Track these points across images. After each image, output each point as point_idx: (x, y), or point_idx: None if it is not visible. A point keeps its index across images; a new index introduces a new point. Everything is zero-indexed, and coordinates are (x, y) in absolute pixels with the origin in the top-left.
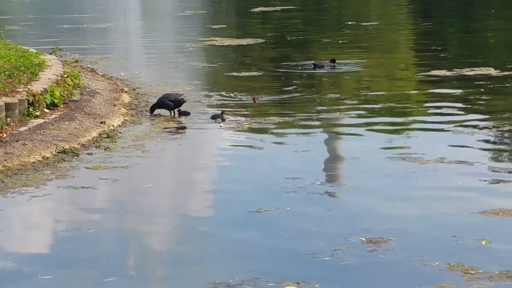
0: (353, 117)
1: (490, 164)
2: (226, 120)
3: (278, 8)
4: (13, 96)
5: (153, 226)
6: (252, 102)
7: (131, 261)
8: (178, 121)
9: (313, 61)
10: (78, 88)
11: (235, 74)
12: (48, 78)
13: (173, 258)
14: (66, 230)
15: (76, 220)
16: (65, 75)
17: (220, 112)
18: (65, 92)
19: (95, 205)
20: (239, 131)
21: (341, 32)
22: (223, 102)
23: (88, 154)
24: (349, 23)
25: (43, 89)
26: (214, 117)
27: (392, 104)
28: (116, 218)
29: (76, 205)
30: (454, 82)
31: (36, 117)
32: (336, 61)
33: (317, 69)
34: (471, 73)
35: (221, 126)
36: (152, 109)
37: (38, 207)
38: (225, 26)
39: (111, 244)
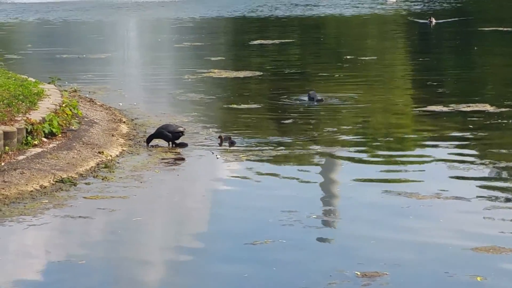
0: (350, 151)
1: (486, 201)
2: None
3: (276, 41)
4: (12, 125)
5: (149, 257)
6: (218, 143)
7: None
8: (175, 152)
9: (309, 93)
10: (76, 118)
11: (233, 106)
12: (47, 108)
13: None
14: (63, 260)
15: (73, 250)
16: (63, 105)
17: (226, 136)
18: (64, 122)
19: (92, 235)
20: (236, 162)
21: (338, 66)
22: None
23: (85, 183)
24: (348, 57)
25: (41, 118)
26: (227, 140)
27: (389, 138)
28: (112, 249)
29: (73, 234)
30: (451, 117)
31: (34, 146)
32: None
33: (315, 102)
34: (468, 109)
35: (218, 158)
36: (149, 140)
37: (35, 236)
38: (223, 58)
39: (106, 275)
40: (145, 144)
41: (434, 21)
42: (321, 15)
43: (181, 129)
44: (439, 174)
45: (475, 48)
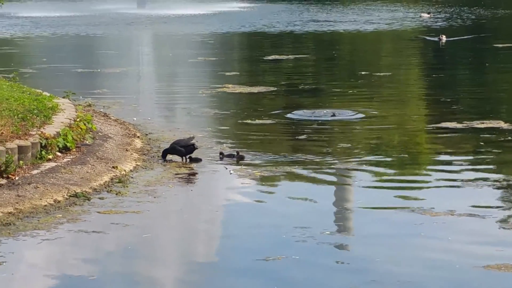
0: (363, 167)
1: (500, 218)
2: (244, 160)
3: (291, 56)
4: (26, 139)
5: (161, 273)
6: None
7: None
8: (189, 167)
9: (330, 111)
10: (90, 132)
11: (247, 121)
12: (61, 122)
13: None
14: (77, 274)
15: (87, 265)
16: (78, 119)
17: (235, 152)
18: (78, 136)
19: (106, 250)
20: (250, 178)
21: (352, 82)
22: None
23: (99, 198)
24: (362, 73)
25: (56, 133)
26: (238, 157)
27: (402, 155)
28: (125, 264)
29: (87, 249)
30: (465, 134)
31: (49, 160)
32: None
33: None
34: (482, 125)
35: (231, 173)
36: (164, 154)
37: (48, 250)
38: (237, 73)
39: None
40: (161, 158)
41: (444, 38)
42: (336, 31)
43: (192, 141)
44: (453, 191)
45: (487, 64)
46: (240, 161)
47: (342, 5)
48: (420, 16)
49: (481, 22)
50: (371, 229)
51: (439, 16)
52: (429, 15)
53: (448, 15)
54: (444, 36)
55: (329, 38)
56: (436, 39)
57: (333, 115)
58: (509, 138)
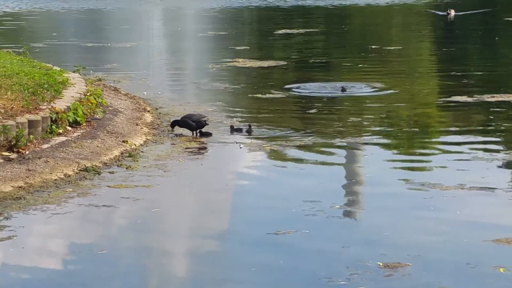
0: (373, 141)
1: (510, 192)
2: (253, 133)
3: (301, 30)
4: (37, 114)
5: (172, 246)
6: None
7: (148, 281)
8: (199, 141)
9: (341, 85)
10: (101, 107)
11: (257, 95)
12: (71, 96)
13: (190, 279)
14: (86, 248)
15: (96, 239)
16: (88, 94)
17: (248, 125)
18: (88, 111)
19: (116, 223)
20: (260, 152)
21: (363, 56)
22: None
23: (109, 172)
24: (373, 46)
25: (66, 107)
26: (247, 131)
27: (413, 129)
28: (136, 238)
29: (97, 223)
30: (475, 108)
31: (59, 134)
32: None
33: (342, 92)
34: (492, 99)
35: (241, 147)
36: (173, 124)
37: (59, 224)
38: (247, 47)
39: (130, 263)
40: (170, 128)
41: (453, 13)
42: (347, 5)
43: (204, 118)
44: (463, 165)
45: (496, 38)
46: (250, 134)
47: None
48: None
49: None
50: (380, 203)
51: None
52: None
53: None
54: (452, 11)
55: (339, 12)
56: (444, 13)
57: (343, 89)
58: None
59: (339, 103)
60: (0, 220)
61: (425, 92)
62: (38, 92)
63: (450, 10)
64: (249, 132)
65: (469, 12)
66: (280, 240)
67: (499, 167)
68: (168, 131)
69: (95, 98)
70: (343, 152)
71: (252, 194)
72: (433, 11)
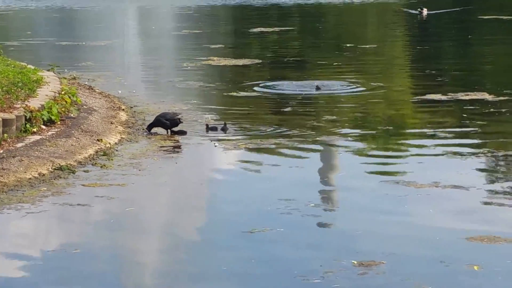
0: (348, 139)
1: (484, 189)
2: (228, 131)
3: (276, 29)
4: (11, 112)
5: (147, 245)
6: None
7: (123, 279)
8: (174, 140)
9: (315, 84)
10: (75, 105)
11: (232, 94)
12: (46, 95)
13: (165, 277)
14: (61, 247)
15: (71, 237)
16: (62, 92)
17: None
18: (63, 109)
19: (91, 222)
20: (235, 150)
21: (337, 54)
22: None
23: (84, 171)
24: (348, 45)
25: (40, 106)
26: (222, 128)
27: (387, 127)
28: (111, 236)
29: (72, 222)
30: (449, 106)
31: (33, 133)
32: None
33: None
34: (466, 97)
35: (216, 146)
36: (150, 127)
37: (33, 223)
38: (222, 46)
39: (104, 262)
40: (146, 132)
41: (426, 11)
42: (322, 3)
43: (178, 116)
44: (437, 163)
45: (469, 36)
46: (224, 133)
47: None
48: None
49: None
50: (355, 201)
51: None
52: None
53: None
54: (425, 9)
55: (314, 11)
56: (416, 12)
57: (318, 87)
58: (493, 109)
59: (314, 101)
60: None
61: (399, 90)
62: (12, 90)
63: (422, 9)
64: (224, 130)
65: (442, 10)
66: (255, 238)
67: (473, 165)
68: (143, 130)
69: (69, 97)
70: (318, 150)
71: (227, 192)
72: (405, 9)
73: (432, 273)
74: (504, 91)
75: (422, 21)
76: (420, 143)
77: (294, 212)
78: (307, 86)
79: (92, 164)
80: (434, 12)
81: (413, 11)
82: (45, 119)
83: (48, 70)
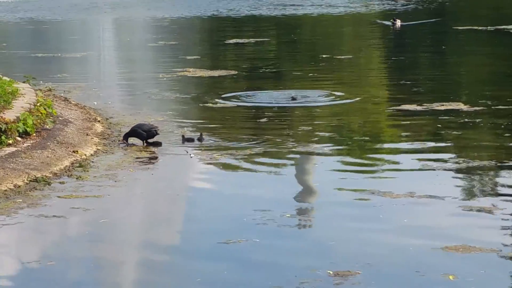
0: (324, 150)
1: (459, 199)
2: (204, 142)
3: (252, 40)
4: None
5: (122, 256)
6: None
7: None
8: (150, 151)
9: (291, 94)
10: (51, 117)
11: (208, 105)
12: (21, 107)
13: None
14: (37, 259)
15: (46, 249)
16: (38, 104)
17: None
18: (38, 121)
19: (66, 234)
20: (210, 162)
21: (313, 65)
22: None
23: (60, 183)
24: (323, 56)
25: (15, 118)
26: (199, 139)
27: (363, 137)
28: (86, 248)
29: (47, 234)
30: (425, 116)
31: (9, 145)
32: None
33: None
34: (442, 108)
35: (191, 157)
36: (125, 137)
37: (8, 235)
38: (198, 57)
39: (80, 274)
40: (122, 142)
41: (399, 23)
42: (298, 15)
43: (155, 128)
44: (413, 173)
45: (443, 47)
46: (201, 143)
47: None
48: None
49: (444, 5)
50: (330, 212)
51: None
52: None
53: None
54: (398, 21)
55: (290, 22)
56: (389, 23)
57: (294, 98)
58: (468, 120)
59: (290, 112)
60: None
61: (375, 101)
62: None
63: (395, 20)
64: (200, 140)
65: (416, 22)
66: (231, 249)
67: (449, 175)
68: (120, 142)
69: (45, 109)
70: (293, 161)
71: (203, 203)
72: (379, 21)
73: (408, 282)
74: (479, 101)
75: (396, 32)
76: (395, 153)
77: (270, 222)
78: (282, 97)
79: (68, 176)
80: (407, 23)
81: (387, 23)
82: (21, 131)
83: (24, 82)
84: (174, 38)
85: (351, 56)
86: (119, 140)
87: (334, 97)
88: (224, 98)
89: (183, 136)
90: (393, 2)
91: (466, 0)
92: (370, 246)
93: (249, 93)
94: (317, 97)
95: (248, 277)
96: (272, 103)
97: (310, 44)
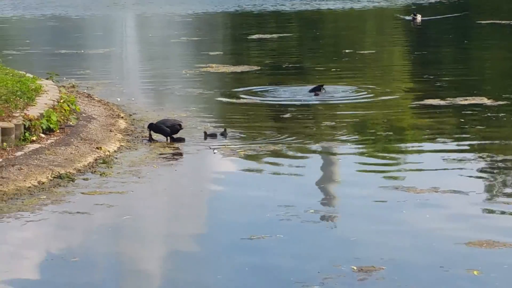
0: (347, 145)
1: (483, 194)
2: (228, 137)
3: (274, 35)
4: (10, 121)
5: (147, 252)
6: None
7: (125, 286)
8: (173, 147)
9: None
10: (74, 114)
11: (231, 100)
12: (45, 103)
13: (165, 284)
14: (61, 255)
15: (72, 245)
16: (61, 100)
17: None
18: (62, 117)
19: (91, 230)
20: (234, 157)
21: (336, 60)
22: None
23: (83, 179)
24: (346, 51)
25: (39, 114)
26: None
27: (387, 133)
28: (111, 244)
29: (72, 230)
30: (448, 111)
31: (32, 142)
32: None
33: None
34: (465, 102)
35: (215, 153)
36: (150, 127)
37: (33, 232)
38: (221, 53)
39: (106, 269)
40: (147, 132)
41: (419, 18)
42: (322, 10)
43: (178, 122)
44: (437, 167)
45: (465, 41)
46: (224, 138)
47: None
48: None
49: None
50: (354, 207)
51: None
52: None
53: None
54: (419, 16)
55: (313, 17)
56: (409, 18)
57: (316, 93)
58: (492, 114)
59: (313, 107)
60: None
61: (398, 96)
62: (11, 99)
63: (416, 15)
64: (223, 135)
65: (437, 17)
66: (254, 245)
67: (473, 170)
68: (143, 137)
69: (68, 105)
70: (317, 156)
71: (227, 199)
72: (400, 16)
73: (432, 278)
74: (503, 95)
75: (419, 27)
76: (419, 148)
77: (294, 218)
78: (306, 92)
79: (92, 172)
80: (428, 18)
81: (408, 17)
82: (44, 127)
83: (47, 79)
84: (197, 34)
85: (373, 51)
86: (142, 136)
87: (357, 92)
88: (247, 93)
89: (205, 132)
90: None
91: None
92: (394, 241)
93: (272, 88)
94: (340, 92)
95: (270, 273)
96: (295, 98)
97: (333, 39)
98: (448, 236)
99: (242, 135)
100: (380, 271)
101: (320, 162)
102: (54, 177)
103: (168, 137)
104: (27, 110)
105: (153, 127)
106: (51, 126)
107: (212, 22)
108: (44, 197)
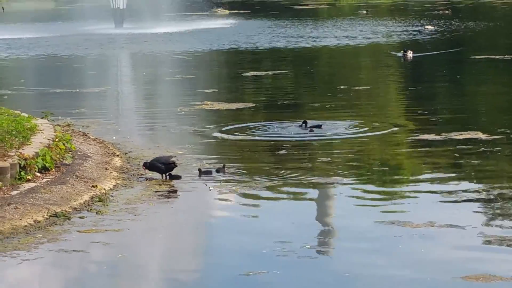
0: (343, 181)
1: (479, 228)
2: (226, 173)
3: (269, 72)
4: (5, 160)
5: None
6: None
7: None
8: (169, 184)
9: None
10: (69, 152)
11: (226, 137)
12: (40, 142)
13: None
14: None
15: (68, 284)
16: (56, 139)
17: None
18: (57, 156)
19: (87, 268)
20: (230, 195)
21: (331, 96)
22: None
23: (79, 217)
24: (341, 87)
25: (34, 153)
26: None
27: (382, 168)
28: (106, 283)
29: (68, 268)
30: (443, 146)
31: (28, 181)
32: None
33: (308, 129)
34: (460, 137)
35: (210, 190)
36: (145, 165)
37: (29, 271)
38: (216, 90)
39: None
40: (142, 170)
41: (410, 54)
42: (317, 46)
43: (173, 159)
44: (433, 202)
45: (458, 76)
46: (221, 174)
47: (319, 21)
48: (425, 28)
49: (465, 35)
50: (351, 242)
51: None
52: (433, 28)
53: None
54: (410, 52)
55: (307, 54)
56: (400, 54)
57: (311, 130)
58: (487, 148)
59: (308, 143)
60: None
61: (393, 131)
62: (6, 139)
63: (406, 51)
64: (218, 171)
65: (430, 53)
66: (251, 281)
67: (469, 204)
68: (138, 175)
69: (64, 144)
70: (313, 192)
71: (223, 236)
72: (393, 52)
73: None
74: (498, 130)
75: (411, 63)
76: (415, 183)
77: (290, 254)
78: (301, 128)
79: (88, 210)
80: (419, 54)
81: (398, 54)
82: (40, 166)
83: (42, 118)
84: (192, 72)
85: (368, 87)
86: (138, 174)
87: (352, 127)
88: (242, 130)
89: (199, 169)
90: (418, 30)
91: (486, 31)
92: (390, 276)
93: (267, 124)
94: (335, 128)
95: None
96: (290, 134)
97: (328, 76)
98: (445, 270)
99: (237, 172)
100: None
101: (316, 198)
102: (50, 216)
103: (164, 175)
104: (22, 149)
105: (148, 165)
106: (47, 165)
107: (207, 59)
108: (40, 235)
